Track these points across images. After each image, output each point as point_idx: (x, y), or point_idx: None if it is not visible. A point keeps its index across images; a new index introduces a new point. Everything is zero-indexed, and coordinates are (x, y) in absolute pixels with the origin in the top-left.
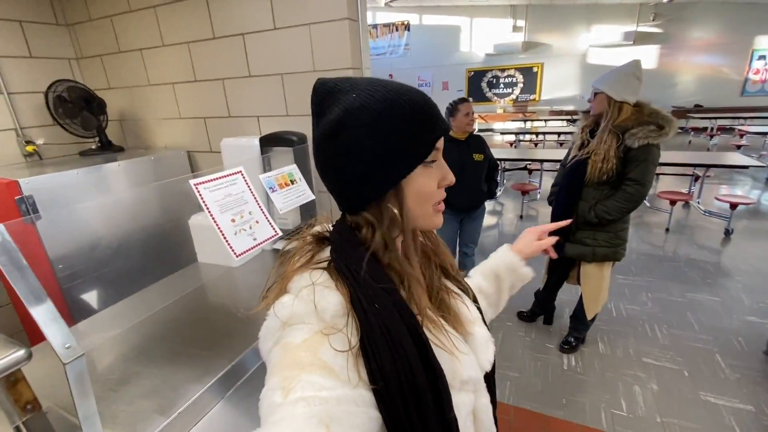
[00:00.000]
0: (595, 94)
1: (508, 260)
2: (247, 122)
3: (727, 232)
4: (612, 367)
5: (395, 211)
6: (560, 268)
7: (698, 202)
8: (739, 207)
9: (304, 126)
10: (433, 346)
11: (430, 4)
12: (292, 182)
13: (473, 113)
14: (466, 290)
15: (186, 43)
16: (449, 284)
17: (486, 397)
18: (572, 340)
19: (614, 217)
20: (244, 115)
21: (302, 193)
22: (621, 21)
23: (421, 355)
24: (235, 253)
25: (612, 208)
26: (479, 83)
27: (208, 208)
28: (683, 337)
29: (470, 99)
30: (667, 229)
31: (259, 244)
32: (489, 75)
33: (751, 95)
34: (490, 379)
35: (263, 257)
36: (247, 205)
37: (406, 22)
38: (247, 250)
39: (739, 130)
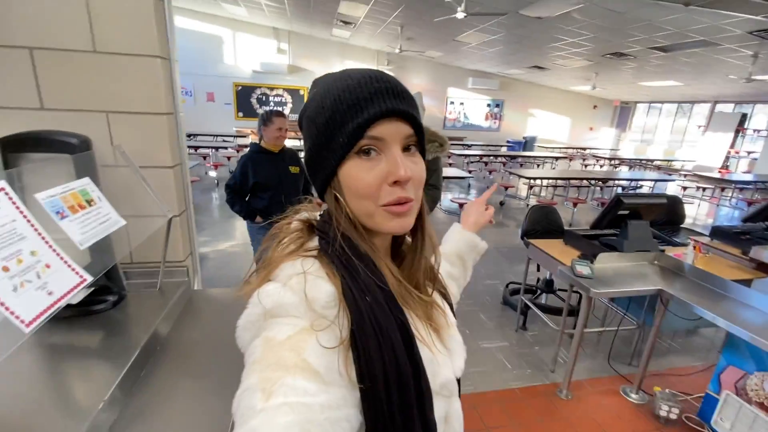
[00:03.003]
0: None
1: (466, 239)
2: None
3: None
4: None
5: (337, 203)
6: None
7: (440, 205)
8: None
9: (78, 124)
10: (417, 342)
11: (180, 5)
12: (89, 203)
13: (286, 129)
14: (446, 296)
15: None
16: (432, 291)
17: (458, 403)
18: None
19: None
20: None
21: (107, 217)
22: (367, 61)
23: (408, 350)
24: (23, 322)
25: None
26: (248, 98)
27: None
28: (460, 305)
29: (285, 115)
30: None
31: (59, 301)
32: (258, 92)
33: (449, 129)
34: (458, 385)
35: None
36: (25, 242)
37: None
38: (42, 313)
39: (448, 153)
